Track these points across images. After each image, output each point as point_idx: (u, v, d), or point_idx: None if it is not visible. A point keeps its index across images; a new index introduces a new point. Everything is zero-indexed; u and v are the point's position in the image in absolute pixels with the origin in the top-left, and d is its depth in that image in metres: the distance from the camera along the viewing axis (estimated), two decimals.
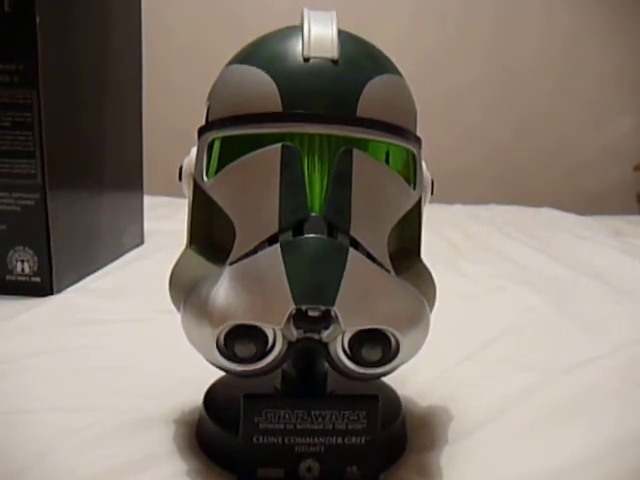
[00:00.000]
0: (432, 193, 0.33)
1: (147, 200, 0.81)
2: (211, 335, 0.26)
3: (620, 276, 0.69)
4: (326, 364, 0.31)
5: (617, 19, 1.58)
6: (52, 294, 0.56)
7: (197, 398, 0.33)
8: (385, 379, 0.35)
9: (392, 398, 0.34)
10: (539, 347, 0.47)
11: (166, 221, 0.88)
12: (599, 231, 0.98)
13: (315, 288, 0.25)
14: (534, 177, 1.66)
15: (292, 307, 0.25)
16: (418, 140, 0.30)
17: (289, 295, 0.25)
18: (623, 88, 1.65)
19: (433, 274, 0.32)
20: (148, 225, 0.80)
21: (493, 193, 1.46)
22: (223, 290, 0.26)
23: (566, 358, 0.44)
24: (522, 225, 1.01)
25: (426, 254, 0.33)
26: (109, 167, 0.69)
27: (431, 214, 0.97)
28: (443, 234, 0.91)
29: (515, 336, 0.50)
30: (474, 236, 0.92)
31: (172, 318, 0.35)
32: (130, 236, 0.75)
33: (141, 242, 0.78)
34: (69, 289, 0.58)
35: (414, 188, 0.30)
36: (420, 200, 0.31)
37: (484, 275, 0.68)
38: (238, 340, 0.25)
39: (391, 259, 0.28)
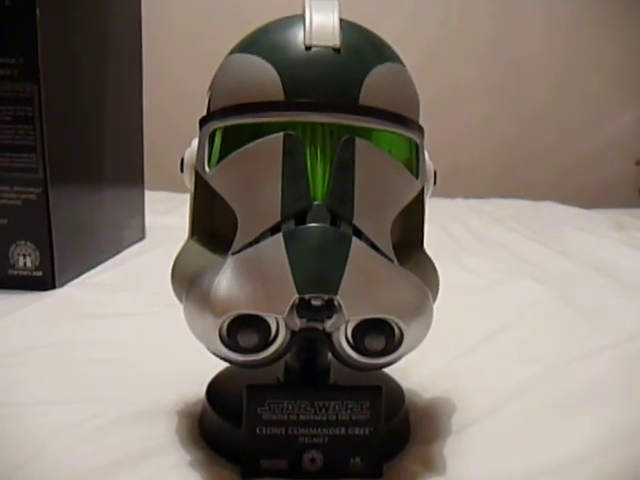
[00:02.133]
0: (435, 183, 0.33)
1: (148, 195, 0.80)
2: (214, 325, 0.26)
3: (624, 269, 0.69)
4: (329, 356, 0.31)
5: (617, 13, 1.58)
6: (54, 288, 0.56)
7: (200, 390, 0.33)
8: (388, 371, 0.35)
9: (395, 390, 0.34)
10: (542, 340, 0.47)
11: (167, 216, 0.88)
12: (602, 224, 0.97)
13: (318, 277, 0.25)
14: (536, 171, 1.66)
15: (295, 296, 0.25)
16: (421, 129, 0.30)
17: (292, 284, 0.24)
18: (624, 82, 1.64)
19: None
20: (149, 220, 0.80)
21: (495, 187, 1.46)
22: (225, 280, 0.26)
23: (569, 351, 0.44)
24: (524, 219, 1.00)
25: (429, 248, 0.33)
26: (110, 162, 0.69)
27: (433, 208, 0.96)
28: (445, 228, 0.90)
29: (518, 329, 0.50)
30: (476, 230, 0.92)
31: (174, 312, 0.35)
32: (131, 231, 0.75)
33: (142, 237, 0.78)
34: (70, 283, 0.58)
35: (417, 178, 0.30)
36: (423, 190, 0.31)
37: (487, 268, 0.68)
38: (241, 330, 0.25)
39: (394, 249, 0.28)
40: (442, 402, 0.36)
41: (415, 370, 0.39)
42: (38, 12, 0.51)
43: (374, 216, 0.27)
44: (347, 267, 0.25)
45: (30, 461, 0.28)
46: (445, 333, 0.44)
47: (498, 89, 1.63)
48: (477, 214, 1.04)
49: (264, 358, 0.26)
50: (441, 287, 0.33)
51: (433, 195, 0.34)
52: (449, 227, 0.91)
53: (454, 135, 1.61)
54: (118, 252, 0.70)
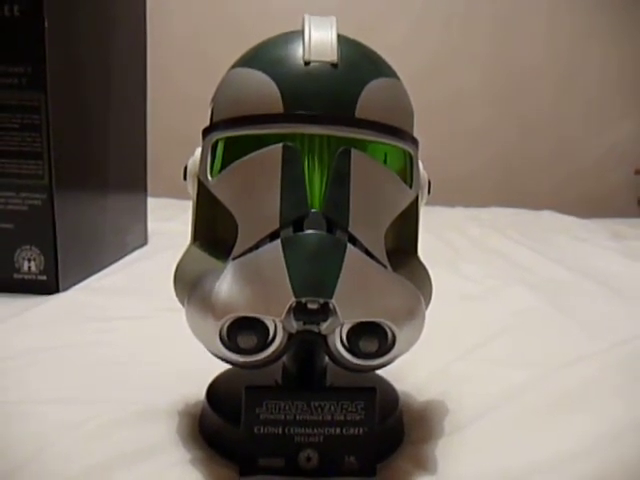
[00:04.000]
0: (429, 192, 0.34)
1: (150, 202, 0.82)
2: (214, 327, 0.27)
3: (619, 277, 0.70)
4: (325, 359, 0.32)
5: (618, 22, 1.59)
6: (58, 292, 0.57)
7: (200, 391, 0.34)
8: (384, 375, 0.36)
9: (390, 392, 0.35)
10: (536, 345, 0.48)
11: (169, 222, 0.89)
12: (599, 234, 0.98)
13: (314, 281, 0.26)
14: (536, 180, 1.67)
15: (292, 299, 0.26)
16: (415, 141, 0.31)
17: (289, 288, 0.26)
18: (624, 92, 1.65)
19: (431, 273, 0.33)
20: (151, 226, 0.81)
21: (495, 196, 1.47)
22: (226, 284, 0.27)
23: (562, 355, 0.45)
24: (523, 228, 1.01)
25: (427, 256, 0.34)
26: (114, 168, 0.70)
27: (433, 217, 0.98)
28: (444, 237, 0.91)
29: (512, 334, 0.50)
30: (475, 238, 0.93)
31: (175, 315, 0.36)
32: (134, 236, 0.76)
33: (145, 242, 0.80)
34: (74, 287, 0.59)
35: (411, 187, 0.31)
36: (417, 199, 0.32)
37: (483, 276, 0.69)
38: (240, 332, 0.26)
39: (388, 256, 0.29)
40: (436, 404, 0.37)
41: (410, 374, 0.40)
42: (46, 23, 0.53)
43: (369, 224, 0.28)
44: (342, 272, 0.26)
45: (33, 459, 0.29)
46: (441, 338, 0.45)
47: (499, 98, 1.64)
48: (476, 222, 1.05)
49: (262, 359, 0.27)
50: (438, 293, 0.34)
51: (433, 204, 0.35)
52: (448, 235, 0.93)
53: (455, 143, 1.62)
54: (121, 257, 0.71)
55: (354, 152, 0.28)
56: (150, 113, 0.79)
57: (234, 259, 0.28)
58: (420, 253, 0.34)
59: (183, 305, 0.30)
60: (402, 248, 0.32)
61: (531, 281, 0.67)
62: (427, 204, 0.38)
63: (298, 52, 0.28)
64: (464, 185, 1.59)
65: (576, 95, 1.65)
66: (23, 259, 0.57)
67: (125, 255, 0.73)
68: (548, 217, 1.15)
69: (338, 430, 0.28)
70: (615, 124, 1.68)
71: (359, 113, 0.28)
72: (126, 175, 0.75)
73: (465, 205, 1.23)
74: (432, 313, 0.34)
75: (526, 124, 1.66)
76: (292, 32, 0.30)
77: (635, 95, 1.66)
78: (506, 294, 0.62)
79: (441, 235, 0.91)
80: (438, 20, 1.59)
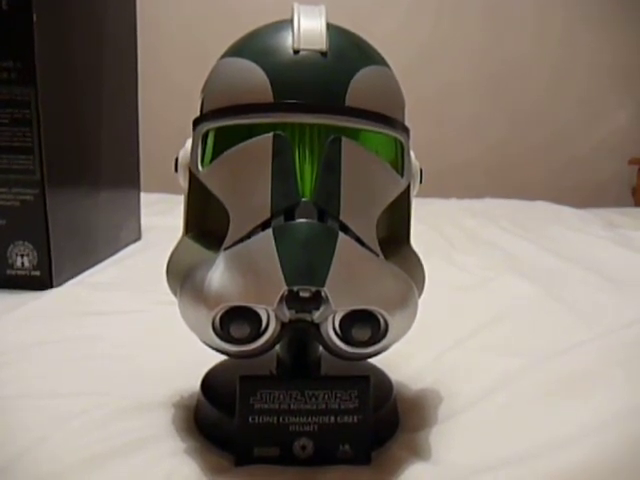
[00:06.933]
0: (421, 182, 0.34)
1: (144, 197, 0.82)
2: (207, 317, 0.27)
3: (612, 266, 0.70)
4: (319, 349, 0.32)
5: (611, 13, 1.59)
6: (51, 287, 0.57)
7: (195, 384, 0.34)
8: (380, 365, 0.36)
9: (384, 381, 0.35)
10: (529, 334, 0.49)
11: (162, 217, 0.89)
12: (593, 223, 0.99)
13: (306, 270, 0.26)
14: (529, 171, 1.68)
15: (284, 288, 0.26)
16: (406, 129, 0.31)
17: (281, 277, 0.26)
18: (618, 82, 1.66)
19: (424, 263, 0.33)
20: (145, 221, 0.81)
21: (489, 187, 1.47)
22: (218, 274, 0.27)
23: (555, 344, 0.45)
24: (517, 218, 1.02)
25: (421, 247, 0.33)
26: (106, 163, 0.70)
27: (427, 208, 0.98)
28: (439, 228, 0.91)
29: (506, 323, 0.51)
30: (469, 229, 0.93)
31: (169, 309, 0.36)
32: (127, 232, 0.76)
33: (138, 237, 0.79)
34: (68, 283, 0.59)
35: (402, 176, 0.31)
36: (409, 188, 0.32)
37: (477, 266, 0.69)
38: (233, 321, 0.26)
39: (381, 245, 0.29)
40: (430, 393, 0.37)
41: (405, 363, 0.40)
42: (35, 17, 0.52)
43: (360, 212, 0.28)
44: (334, 260, 0.26)
45: (31, 449, 0.29)
46: (435, 327, 0.45)
47: (492, 89, 1.64)
48: (471, 214, 1.06)
49: (256, 348, 0.27)
50: (432, 284, 0.33)
51: (428, 195, 0.35)
52: (443, 227, 0.93)
53: (447, 135, 1.62)
54: (115, 252, 0.71)
55: (344, 140, 0.28)
56: (142, 108, 0.79)
57: (226, 249, 0.28)
58: (414, 244, 0.34)
59: (176, 296, 0.30)
60: (394, 237, 0.33)
61: (525, 271, 0.67)
62: (421, 195, 0.38)
63: (287, 41, 0.28)
64: (457, 176, 1.59)
65: (569, 85, 1.66)
66: (16, 255, 0.57)
67: (119, 250, 0.72)
68: (542, 207, 1.16)
69: (332, 419, 0.29)
70: (608, 114, 1.69)
71: (349, 101, 0.28)
72: (119, 170, 0.74)
73: (459, 196, 1.24)
74: (426, 303, 0.34)
75: (519, 114, 1.66)
76: (281, 21, 0.30)
77: (628, 85, 1.66)
78: (500, 284, 0.62)
79: (435, 226, 0.91)
80: (430, 12, 1.59)
